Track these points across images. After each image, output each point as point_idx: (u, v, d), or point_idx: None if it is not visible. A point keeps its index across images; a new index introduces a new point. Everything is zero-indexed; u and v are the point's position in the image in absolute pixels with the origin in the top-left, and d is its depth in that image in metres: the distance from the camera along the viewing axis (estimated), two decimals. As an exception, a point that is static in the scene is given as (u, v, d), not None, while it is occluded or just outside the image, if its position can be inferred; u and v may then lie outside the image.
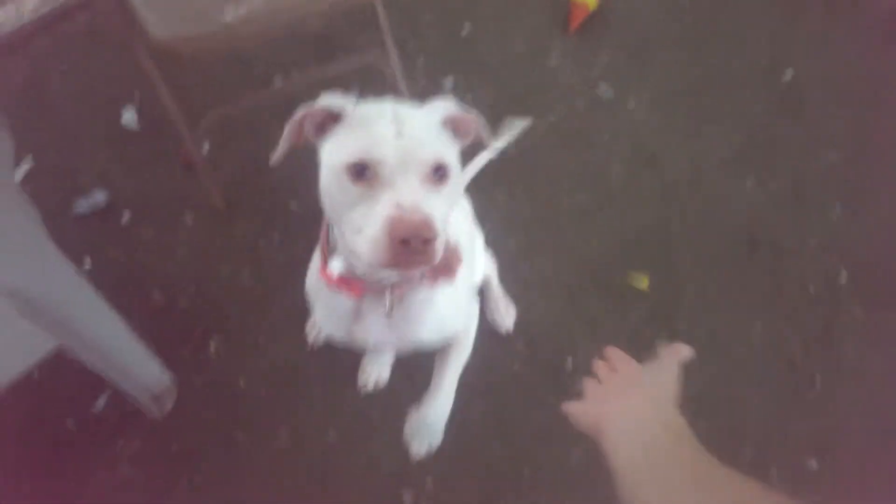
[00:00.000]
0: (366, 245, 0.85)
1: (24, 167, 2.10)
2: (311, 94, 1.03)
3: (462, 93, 2.26)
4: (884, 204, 2.07)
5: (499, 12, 2.51)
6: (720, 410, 1.76)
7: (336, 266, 1.04)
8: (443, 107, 0.98)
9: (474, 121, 1.01)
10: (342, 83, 2.37)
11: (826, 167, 2.17)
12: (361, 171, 0.86)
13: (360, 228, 0.86)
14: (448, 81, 2.30)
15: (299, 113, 0.95)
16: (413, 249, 0.82)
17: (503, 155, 1.97)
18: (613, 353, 0.96)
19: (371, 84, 2.31)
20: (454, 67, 2.35)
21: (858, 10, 2.52)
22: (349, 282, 1.05)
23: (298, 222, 2.02)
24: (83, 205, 2.01)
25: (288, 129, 0.97)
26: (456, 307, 1.23)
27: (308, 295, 1.25)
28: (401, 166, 0.86)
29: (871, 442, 1.72)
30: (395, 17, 2.23)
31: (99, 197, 2.02)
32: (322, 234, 1.09)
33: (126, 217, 2.02)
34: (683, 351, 0.90)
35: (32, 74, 2.33)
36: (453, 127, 1.00)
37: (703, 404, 1.76)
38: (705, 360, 1.82)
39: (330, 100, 0.94)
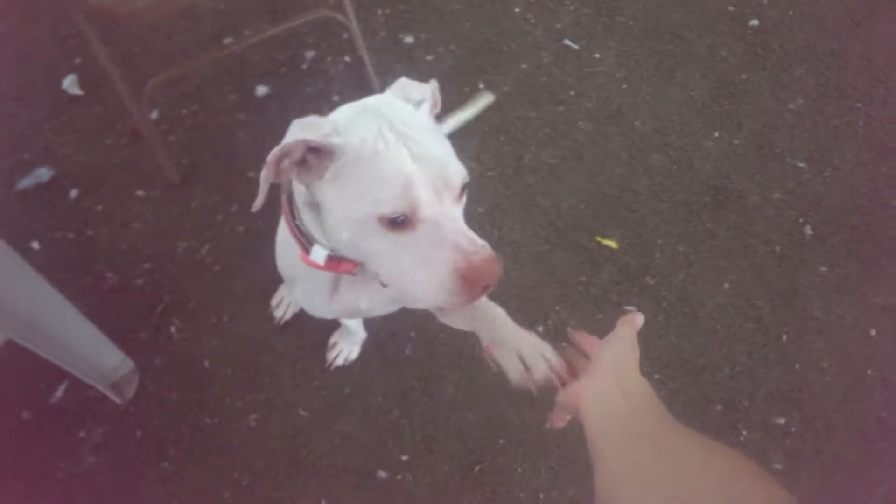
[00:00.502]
0: (422, 287, 0.81)
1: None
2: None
3: (423, 51, 2.15)
4: (847, 156, 2.04)
5: (458, -39, 2.38)
6: (689, 370, 1.75)
7: (320, 254, 0.94)
8: (428, 100, 0.91)
9: (436, 93, 0.94)
10: (297, 40, 2.25)
11: (791, 117, 2.12)
12: (402, 222, 0.80)
13: (401, 271, 0.82)
14: (408, 38, 2.18)
15: (275, 152, 0.81)
16: (483, 288, 0.80)
17: (465, 127, 1.90)
18: (579, 337, 0.93)
19: (327, 40, 2.19)
20: (414, 20, 2.22)
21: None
22: (336, 263, 0.96)
23: (257, 191, 1.92)
24: (27, 181, 1.88)
25: (265, 172, 0.82)
26: None
27: (285, 278, 1.18)
28: (436, 198, 0.81)
29: (838, 397, 1.73)
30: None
31: (43, 172, 1.89)
32: (287, 219, 0.98)
33: (74, 193, 1.90)
34: (637, 319, 0.89)
35: (-38, 39, 2.15)
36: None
37: (672, 364, 1.75)
38: (675, 318, 1.81)
39: (302, 130, 0.81)
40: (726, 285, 1.86)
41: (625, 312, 0.90)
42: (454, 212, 0.83)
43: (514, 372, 0.95)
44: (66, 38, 2.15)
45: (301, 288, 1.13)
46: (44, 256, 1.47)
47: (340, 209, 0.83)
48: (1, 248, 1.29)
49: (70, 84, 2.05)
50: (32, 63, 2.11)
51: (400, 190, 0.78)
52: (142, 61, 2.12)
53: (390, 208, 0.78)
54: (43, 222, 1.85)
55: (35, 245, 1.81)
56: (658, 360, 1.75)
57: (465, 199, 0.86)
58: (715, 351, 1.78)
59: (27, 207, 1.87)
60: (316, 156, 0.82)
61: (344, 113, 0.88)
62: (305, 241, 0.95)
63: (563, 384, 0.90)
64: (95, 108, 2.04)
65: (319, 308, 1.14)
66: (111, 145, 1.98)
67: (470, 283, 0.79)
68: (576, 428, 0.81)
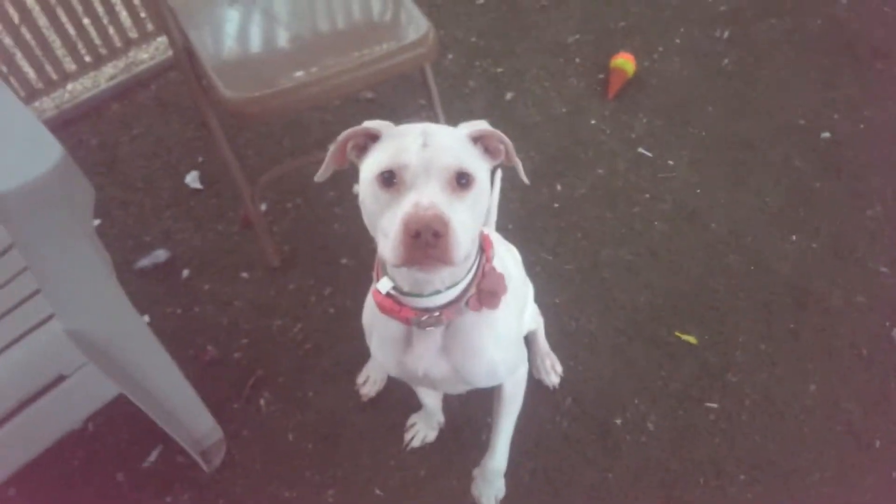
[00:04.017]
0: (388, 245, 0.83)
1: (94, 224, 2.05)
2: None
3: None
4: (934, 261, 1.89)
5: (539, 80, 2.44)
6: (776, 472, 1.56)
7: (385, 284, 1.00)
8: (472, 124, 0.97)
9: (500, 137, 0.97)
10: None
11: (868, 223, 2.00)
12: (390, 179, 0.86)
13: (387, 233, 0.84)
14: (492, 143, 2.21)
15: (343, 134, 0.95)
16: (425, 242, 0.80)
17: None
18: None
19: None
20: (499, 130, 2.26)
21: (887, 74, 2.39)
22: (398, 306, 1.00)
23: (350, 276, 1.92)
24: (146, 261, 1.94)
25: (332, 150, 0.97)
26: (506, 341, 1.14)
27: (365, 327, 1.19)
28: (423, 171, 0.85)
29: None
30: (440, 84, 2.18)
31: (160, 254, 1.95)
32: (376, 258, 1.04)
33: (185, 273, 1.95)
34: None
35: (105, 138, 2.31)
36: (484, 145, 0.97)
37: (758, 466, 1.58)
38: (760, 418, 1.65)
39: (370, 122, 0.94)
40: (812, 387, 1.70)
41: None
42: (438, 190, 0.85)
43: None
44: (189, 140, 2.28)
45: (376, 335, 1.14)
46: (154, 328, 1.48)
47: (364, 175, 0.91)
48: (128, 308, 1.31)
49: (192, 179, 2.15)
50: (159, 160, 2.24)
51: (394, 151, 0.87)
52: (254, 162, 2.22)
53: (385, 165, 0.86)
54: (156, 298, 1.89)
55: (147, 318, 1.84)
56: (743, 461, 1.58)
57: (470, 196, 0.88)
58: (803, 455, 1.60)
59: (143, 284, 1.92)
60: (373, 143, 0.94)
61: None
62: (381, 273, 1.01)
63: None
64: (212, 199, 2.12)
65: (387, 359, 1.14)
66: (222, 232, 2.04)
67: (410, 232, 0.80)
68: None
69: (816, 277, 1.89)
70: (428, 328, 1.03)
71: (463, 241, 0.84)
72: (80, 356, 1.23)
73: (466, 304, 1.01)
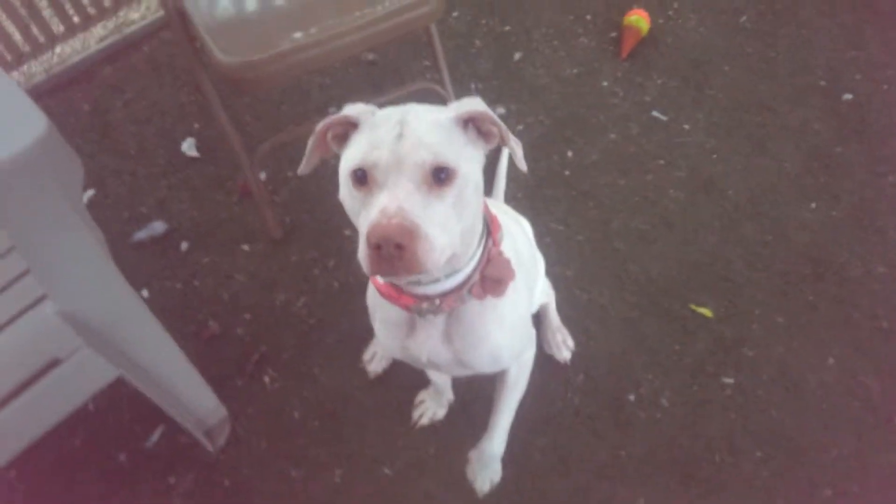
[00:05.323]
0: (360, 251, 0.78)
1: (87, 195, 1.98)
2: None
3: (514, 121, 2.09)
4: (958, 229, 1.83)
5: (549, 39, 2.33)
6: (792, 449, 1.53)
7: None
8: (459, 105, 0.87)
9: (492, 118, 0.87)
10: (395, 110, 2.24)
11: (889, 190, 1.93)
12: (363, 178, 0.80)
13: (360, 232, 0.79)
14: (500, 109, 2.12)
15: (321, 124, 0.89)
16: (388, 254, 0.74)
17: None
18: None
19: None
20: (506, 93, 2.17)
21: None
22: (398, 293, 0.94)
23: (353, 248, 1.84)
24: (142, 233, 1.88)
25: (312, 141, 0.92)
26: (511, 327, 1.07)
27: (369, 307, 1.14)
28: (395, 168, 0.78)
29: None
30: (446, 44, 2.08)
31: (157, 226, 1.89)
32: None
33: (184, 245, 1.88)
34: None
35: (97, 103, 2.22)
36: (476, 127, 0.88)
37: (774, 442, 1.54)
38: (776, 393, 1.61)
39: (350, 108, 0.88)
40: (830, 360, 1.65)
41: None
42: (412, 189, 0.77)
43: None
44: (185, 105, 2.20)
45: (379, 317, 1.09)
46: (153, 304, 1.43)
47: (342, 168, 0.85)
48: (124, 288, 1.26)
49: (188, 146, 2.07)
50: (153, 126, 2.15)
51: (367, 147, 0.80)
52: (253, 129, 2.13)
53: (356, 163, 0.80)
54: (154, 272, 1.83)
55: (145, 293, 1.79)
56: (759, 437, 1.55)
57: (451, 192, 0.80)
58: (820, 430, 1.56)
59: (141, 257, 1.86)
60: (355, 131, 0.87)
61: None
62: None
63: None
64: (209, 168, 2.05)
65: (391, 343, 1.09)
66: (221, 202, 1.97)
67: (371, 244, 0.74)
68: None
69: (835, 247, 1.83)
70: (428, 315, 0.98)
71: (440, 245, 0.77)
72: (75, 338, 1.18)
73: (469, 291, 0.95)
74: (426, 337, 1.03)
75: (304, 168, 0.95)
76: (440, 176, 0.79)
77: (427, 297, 0.94)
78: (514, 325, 1.08)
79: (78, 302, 1.16)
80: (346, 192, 0.84)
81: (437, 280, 0.91)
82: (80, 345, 1.19)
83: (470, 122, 0.87)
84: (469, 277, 0.94)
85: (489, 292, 0.96)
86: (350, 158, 0.83)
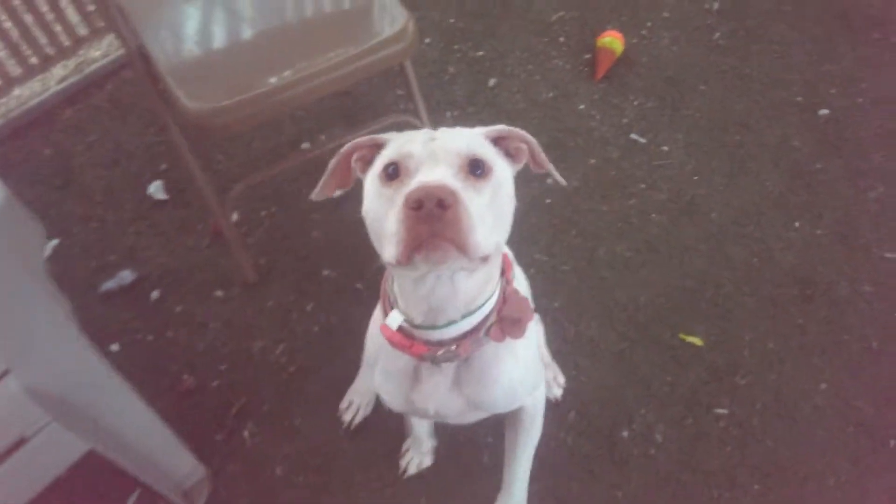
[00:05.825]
0: (391, 240, 0.72)
1: (51, 244, 1.90)
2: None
3: (492, 146, 2.05)
4: (942, 243, 1.82)
5: (523, 63, 2.31)
6: (791, 480, 1.50)
7: (395, 319, 0.89)
8: (489, 127, 0.87)
9: (521, 136, 0.86)
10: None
11: (871, 205, 1.93)
12: (394, 173, 0.77)
13: (382, 224, 0.75)
14: (477, 135, 2.09)
15: (347, 145, 0.86)
16: (428, 213, 0.68)
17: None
18: None
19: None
20: (483, 119, 2.13)
21: (884, 44, 2.30)
22: (410, 341, 0.89)
23: (333, 290, 1.80)
24: (111, 283, 1.80)
25: (333, 163, 0.88)
26: (525, 362, 1.03)
27: (366, 354, 1.10)
28: (429, 158, 0.76)
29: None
30: (419, 71, 2.04)
31: (126, 275, 1.81)
32: (382, 287, 0.94)
33: (155, 294, 1.81)
34: None
35: (59, 147, 2.14)
36: (504, 148, 0.87)
37: (772, 474, 1.51)
38: (771, 422, 1.58)
39: (378, 135, 0.86)
40: (823, 385, 1.63)
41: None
42: (449, 173, 0.75)
43: None
44: (151, 145, 2.13)
45: (381, 368, 1.02)
46: (124, 358, 1.37)
47: (368, 182, 0.83)
48: (91, 358, 1.19)
49: (156, 189, 2.00)
50: (119, 169, 2.08)
51: (399, 145, 0.80)
52: (224, 167, 2.07)
53: (388, 159, 0.79)
54: (124, 324, 1.75)
55: (115, 347, 1.71)
56: (757, 469, 1.52)
57: (488, 187, 0.78)
58: (817, 457, 1.54)
59: (110, 309, 1.78)
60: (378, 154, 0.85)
61: None
62: (389, 306, 0.91)
63: None
64: (179, 211, 1.98)
65: (393, 396, 1.03)
66: (192, 247, 1.90)
67: (410, 204, 0.69)
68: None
69: (821, 267, 1.82)
70: (443, 363, 0.93)
71: (479, 227, 0.71)
72: (41, 415, 1.11)
73: (487, 333, 0.90)
74: (433, 386, 0.97)
75: (317, 194, 0.92)
76: (476, 171, 0.77)
77: (441, 344, 0.89)
78: (526, 359, 1.04)
79: (44, 375, 1.10)
80: (374, 197, 0.80)
81: (453, 322, 0.86)
82: (47, 421, 1.12)
83: (498, 143, 0.86)
84: (486, 318, 0.89)
85: (508, 333, 0.91)
86: (381, 161, 0.81)
